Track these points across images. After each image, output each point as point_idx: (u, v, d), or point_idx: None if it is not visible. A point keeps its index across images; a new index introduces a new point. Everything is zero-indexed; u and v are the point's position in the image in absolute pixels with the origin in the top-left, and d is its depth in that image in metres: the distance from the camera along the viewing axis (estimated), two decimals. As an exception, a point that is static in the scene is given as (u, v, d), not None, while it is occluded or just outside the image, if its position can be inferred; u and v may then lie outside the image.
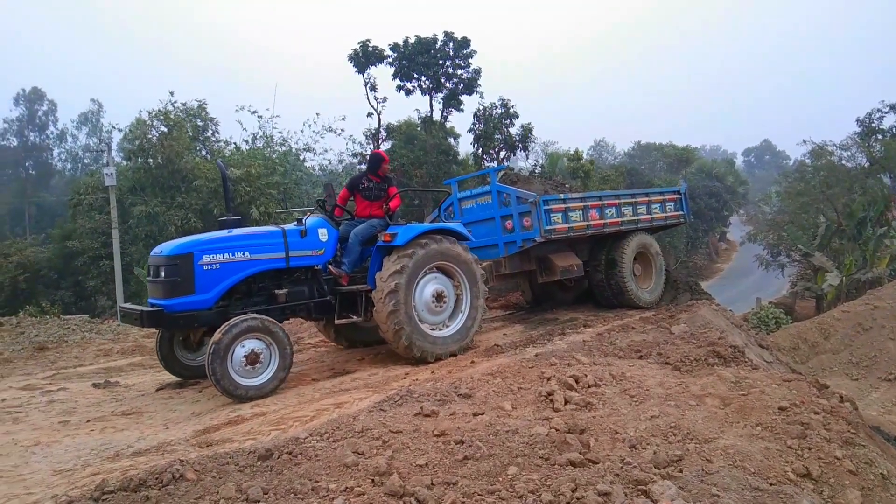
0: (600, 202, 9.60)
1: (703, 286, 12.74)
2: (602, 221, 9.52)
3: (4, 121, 54.59)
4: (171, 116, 23.14)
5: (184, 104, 23.74)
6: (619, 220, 9.80)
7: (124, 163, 25.45)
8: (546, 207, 8.72)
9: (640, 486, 3.46)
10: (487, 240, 9.36)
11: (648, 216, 10.33)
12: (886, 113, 30.49)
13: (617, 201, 9.88)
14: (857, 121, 31.23)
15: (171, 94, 23.83)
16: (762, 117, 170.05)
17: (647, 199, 10.44)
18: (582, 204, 9.30)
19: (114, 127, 29.67)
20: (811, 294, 27.98)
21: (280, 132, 26.13)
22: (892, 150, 29.31)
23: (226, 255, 6.27)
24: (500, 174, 10.12)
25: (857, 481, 3.82)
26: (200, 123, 24.24)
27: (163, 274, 6.15)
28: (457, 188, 10.14)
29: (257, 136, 25.91)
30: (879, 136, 30.56)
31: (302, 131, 45.96)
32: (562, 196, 9.20)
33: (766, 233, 35.09)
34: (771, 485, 3.65)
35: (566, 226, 8.96)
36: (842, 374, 14.44)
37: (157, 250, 6.45)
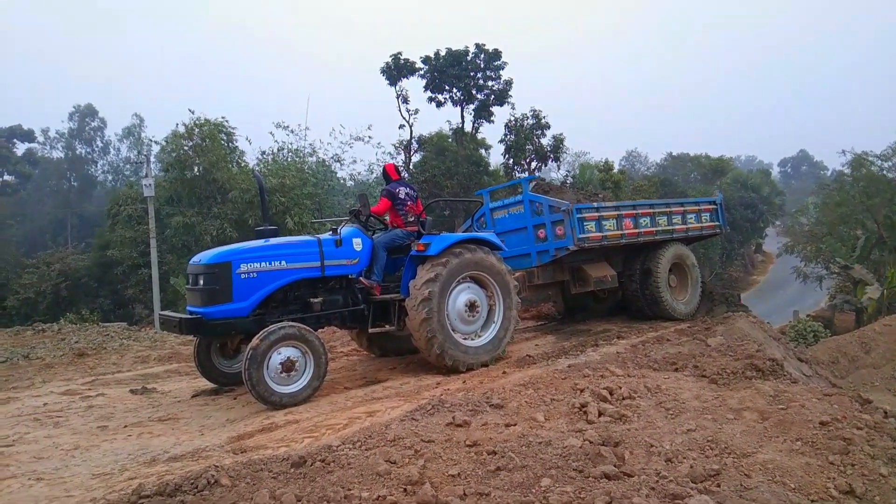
0: (634, 211, 9.52)
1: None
2: (636, 231, 9.44)
3: (57, 132, 56.35)
4: (205, 129, 23.54)
5: (206, 120, 24.09)
6: (654, 229, 9.69)
7: (162, 174, 25.96)
8: (579, 216, 8.67)
9: (676, 501, 3.40)
10: (519, 249, 9.33)
11: (683, 226, 10.20)
12: (929, 122, 29.77)
13: (651, 211, 9.78)
14: (899, 130, 30.52)
15: (192, 111, 24.22)
16: (799, 127, 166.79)
17: (682, 208, 10.32)
18: (616, 213, 9.23)
19: (151, 140, 30.30)
20: (850, 307, 27.26)
21: (310, 143, 26.33)
22: (934, 161, 28.54)
23: (263, 264, 6.36)
24: (532, 184, 10.11)
25: (904, 500, 3.71)
26: (224, 137, 24.59)
27: (201, 282, 6.26)
28: (489, 198, 10.14)
29: (283, 149, 26.19)
30: (922, 146, 29.77)
31: (329, 143, 46.57)
32: (595, 204, 9.13)
33: (803, 244, 34.39)
34: (812, 501, 3.57)
35: (600, 234, 8.90)
36: (884, 390, 13.99)
37: (195, 259, 6.57)
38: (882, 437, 4.27)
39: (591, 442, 4.11)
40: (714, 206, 11.02)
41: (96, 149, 57.19)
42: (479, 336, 7.40)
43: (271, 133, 29.64)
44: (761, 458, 4.00)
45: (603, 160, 35.56)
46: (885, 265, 25.92)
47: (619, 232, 9.19)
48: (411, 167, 29.16)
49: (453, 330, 7.07)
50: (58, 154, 56.86)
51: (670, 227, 9.96)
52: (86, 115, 55.48)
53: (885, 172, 30.15)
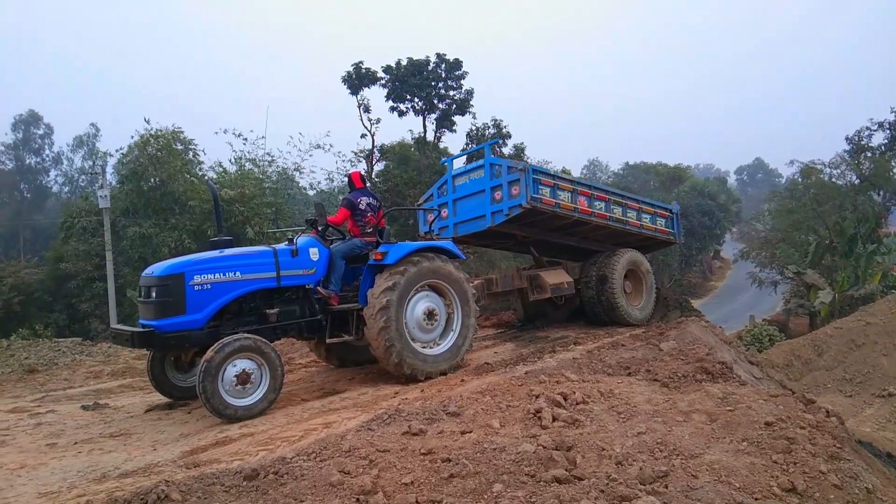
0: (590, 191, 9.61)
1: (698, 304, 12.80)
2: (590, 210, 9.48)
3: (2, 144, 54.66)
4: (160, 140, 23.15)
5: (159, 131, 23.68)
6: (608, 215, 9.77)
7: (118, 186, 25.43)
8: (535, 177, 8.74)
9: (624, 502, 3.47)
10: (476, 212, 9.39)
11: (638, 222, 10.34)
12: (875, 131, 30.82)
13: (606, 196, 9.88)
14: (847, 139, 31.53)
15: (147, 121, 23.81)
16: (755, 136, 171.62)
17: (637, 205, 10.47)
18: (571, 186, 9.32)
19: (106, 153, 29.65)
20: (804, 311, 28.05)
21: (268, 152, 26.04)
22: (881, 168, 29.54)
23: (217, 276, 6.29)
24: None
25: (842, 495, 3.84)
26: (180, 147, 24.17)
27: (154, 294, 6.16)
28: (452, 165, 10.19)
29: (242, 158, 25.91)
30: (868, 154, 30.81)
31: (289, 152, 46.28)
32: (552, 172, 9.22)
33: (758, 251, 35.24)
34: (756, 500, 3.67)
35: (553, 200, 8.94)
36: (835, 391, 14.44)
37: (148, 271, 6.47)
38: (823, 436, 4.42)
39: (544, 447, 4.17)
40: (670, 214, 11.22)
41: (47, 158, 55.74)
42: (438, 344, 7.41)
43: (229, 143, 28.99)
44: (708, 458, 4.10)
45: (561, 169, 35.87)
46: (836, 270, 26.71)
47: (573, 205, 9.22)
48: (374, 176, 29.11)
49: (412, 338, 7.08)
50: (6, 164, 55.21)
51: (624, 219, 10.07)
52: (30, 123, 54.00)
53: (834, 180, 31.13)
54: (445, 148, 31.68)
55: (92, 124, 54.08)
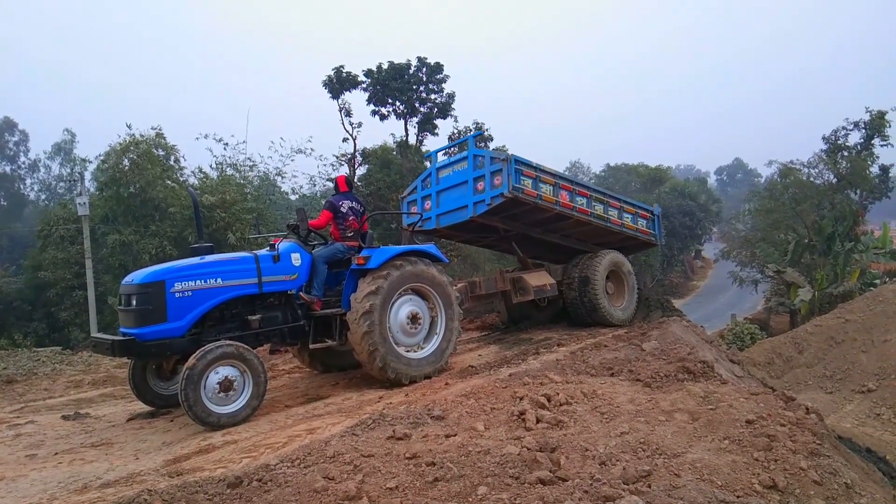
0: (572, 186, 9.65)
1: (680, 304, 12.89)
2: (571, 205, 9.52)
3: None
4: (140, 146, 22.89)
5: (141, 135, 23.43)
6: (589, 211, 9.80)
7: (97, 193, 25.09)
8: (517, 167, 8.76)
9: (608, 502, 3.48)
10: (458, 203, 9.40)
11: (619, 221, 10.39)
12: (851, 130, 31.19)
13: (588, 193, 9.93)
14: (823, 138, 31.89)
15: (129, 126, 23.56)
16: (734, 137, 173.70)
17: (619, 203, 10.53)
18: (553, 180, 9.33)
19: (84, 160, 29.23)
20: (785, 309, 28.39)
21: (248, 157, 25.87)
22: (857, 167, 29.95)
23: (198, 282, 6.25)
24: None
25: (822, 491, 3.89)
26: (162, 153, 23.91)
27: (134, 302, 6.11)
28: (436, 158, 10.20)
29: (224, 164, 25.61)
30: (845, 153, 31.20)
31: (270, 157, 45.81)
32: (534, 164, 9.26)
33: (738, 250, 35.56)
34: (738, 497, 3.70)
35: (535, 192, 8.96)
36: (816, 388, 14.62)
37: (128, 279, 6.42)
38: (803, 433, 4.47)
39: (528, 448, 4.18)
40: (651, 216, 11.30)
41: (23, 166, 54.80)
42: (422, 348, 7.41)
43: (209, 149, 28.62)
44: (691, 457, 4.13)
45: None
46: (816, 268, 27.04)
47: (554, 198, 9.26)
48: (356, 180, 29.04)
49: (396, 343, 7.08)
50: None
51: (606, 216, 10.12)
52: (4, 130, 53.06)
53: (812, 179, 31.50)
54: (427, 151, 31.69)
55: (66, 130, 53.19)
